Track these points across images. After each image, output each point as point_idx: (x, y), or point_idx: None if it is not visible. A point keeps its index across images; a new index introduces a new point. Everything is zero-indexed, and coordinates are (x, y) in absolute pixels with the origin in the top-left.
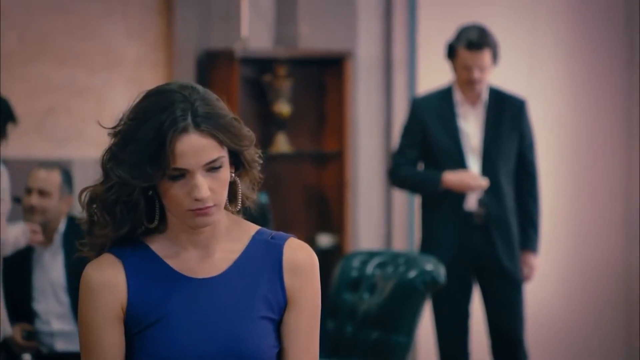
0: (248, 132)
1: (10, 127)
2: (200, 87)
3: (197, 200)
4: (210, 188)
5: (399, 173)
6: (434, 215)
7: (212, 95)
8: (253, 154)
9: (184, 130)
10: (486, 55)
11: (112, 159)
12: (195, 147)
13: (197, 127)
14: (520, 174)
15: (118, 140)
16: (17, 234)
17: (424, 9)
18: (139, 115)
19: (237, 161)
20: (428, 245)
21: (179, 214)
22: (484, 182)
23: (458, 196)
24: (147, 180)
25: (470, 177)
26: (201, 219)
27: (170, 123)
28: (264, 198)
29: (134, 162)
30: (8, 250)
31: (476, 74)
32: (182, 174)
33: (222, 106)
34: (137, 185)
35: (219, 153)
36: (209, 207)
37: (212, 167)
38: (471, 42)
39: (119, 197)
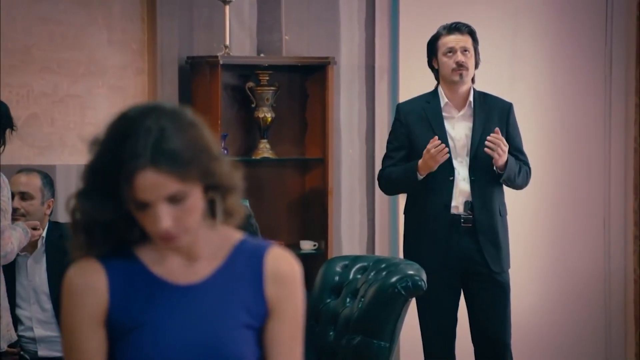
0: (220, 159)
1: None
2: (170, 109)
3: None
4: (175, 217)
5: (383, 174)
6: (419, 219)
7: (184, 118)
8: (229, 177)
9: (142, 166)
10: (468, 39)
11: (79, 190)
12: (152, 184)
13: (155, 164)
14: None
15: (85, 170)
16: (20, 237)
17: (405, 16)
18: (103, 145)
19: (212, 185)
20: (412, 250)
21: (150, 236)
22: (442, 147)
23: (443, 200)
24: (110, 214)
25: (431, 146)
26: (167, 243)
27: (129, 158)
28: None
29: (97, 195)
30: (14, 256)
31: (460, 57)
32: (145, 205)
33: (193, 134)
34: (101, 219)
35: (180, 187)
36: (173, 235)
37: (174, 199)
38: (450, 26)
39: (94, 219)
